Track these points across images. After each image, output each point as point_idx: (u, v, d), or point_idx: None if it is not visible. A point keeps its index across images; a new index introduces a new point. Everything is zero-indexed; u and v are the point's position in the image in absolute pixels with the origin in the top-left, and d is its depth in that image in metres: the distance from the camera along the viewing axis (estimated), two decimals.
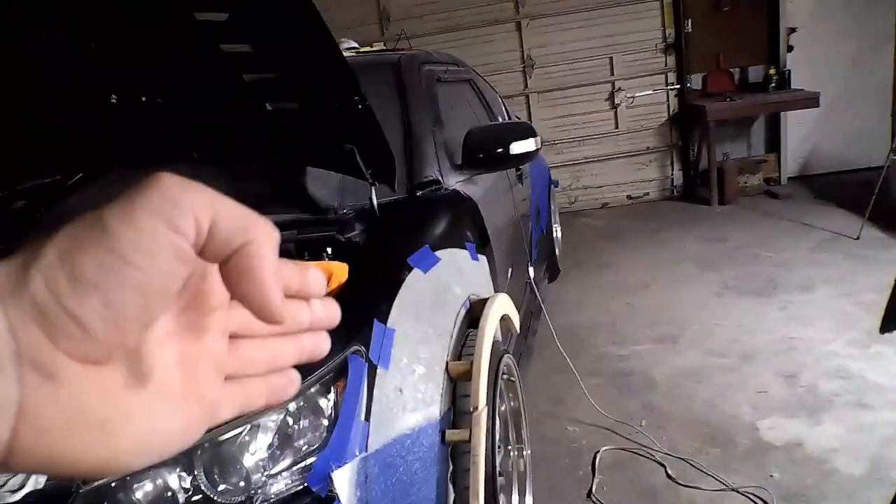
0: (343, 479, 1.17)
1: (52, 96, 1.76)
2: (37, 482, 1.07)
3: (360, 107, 1.54)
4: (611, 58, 6.24)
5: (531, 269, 3.19)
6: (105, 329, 0.26)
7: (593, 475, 2.45)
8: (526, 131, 2.27)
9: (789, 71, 6.02)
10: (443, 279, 1.71)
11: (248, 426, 1.15)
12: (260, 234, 0.30)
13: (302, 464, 1.18)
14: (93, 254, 0.26)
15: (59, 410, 0.26)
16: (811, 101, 5.64)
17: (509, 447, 1.96)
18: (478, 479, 1.41)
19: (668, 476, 2.39)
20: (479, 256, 2.04)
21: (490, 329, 1.64)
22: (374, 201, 1.80)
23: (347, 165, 1.73)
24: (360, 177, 1.75)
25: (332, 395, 1.23)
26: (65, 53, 1.60)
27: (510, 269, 2.59)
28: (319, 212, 1.86)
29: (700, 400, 2.85)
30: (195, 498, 1.12)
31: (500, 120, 3.56)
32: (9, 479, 1.08)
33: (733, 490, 2.26)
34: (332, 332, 1.18)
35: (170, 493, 1.12)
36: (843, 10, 6.01)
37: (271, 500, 1.14)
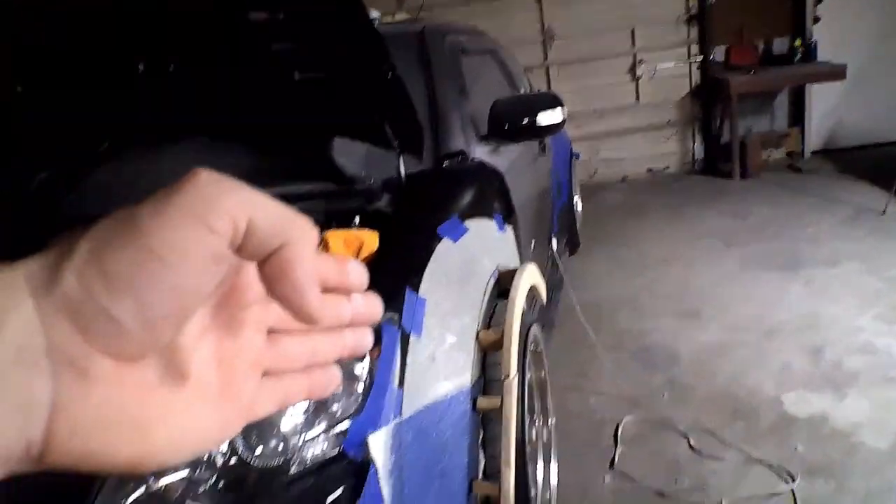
0: (378, 444, 1.18)
1: (78, 65, 1.76)
2: None
3: (389, 76, 1.53)
4: (632, 29, 6.14)
5: (553, 241, 3.18)
6: (139, 327, 0.26)
7: (616, 446, 2.46)
8: (553, 102, 2.25)
9: (815, 42, 5.89)
10: (471, 249, 1.71)
11: None
12: (298, 233, 0.29)
13: (337, 429, 1.19)
14: (126, 252, 0.25)
15: (93, 408, 0.26)
16: (838, 73, 5.53)
17: (535, 417, 1.97)
18: (509, 446, 1.42)
19: (691, 448, 2.39)
20: (506, 227, 2.03)
21: (521, 298, 1.64)
22: (402, 172, 1.80)
23: (375, 135, 1.72)
24: (387, 147, 1.74)
25: (366, 362, 1.24)
26: (92, 19, 1.60)
27: (533, 241, 2.59)
28: (346, 182, 1.86)
29: (723, 374, 2.84)
30: (233, 461, 1.14)
31: (523, 91, 3.53)
32: None
33: (757, 462, 2.26)
34: None
35: (207, 456, 1.13)
36: None
37: (307, 464, 1.16)
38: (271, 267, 0.29)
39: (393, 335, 1.29)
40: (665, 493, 2.18)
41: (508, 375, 1.48)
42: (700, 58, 6.15)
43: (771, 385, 2.72)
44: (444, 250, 1.57)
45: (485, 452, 1.50)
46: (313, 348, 0.34)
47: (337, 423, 1.19)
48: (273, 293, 0.30)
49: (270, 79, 1.66)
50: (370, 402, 1.21)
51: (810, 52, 5.88)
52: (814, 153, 6.29)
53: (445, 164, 2.02)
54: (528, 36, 6.20)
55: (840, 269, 3.73)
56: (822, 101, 6.17)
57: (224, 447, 1.13)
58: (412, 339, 1.33)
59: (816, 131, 6.31)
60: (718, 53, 6.19)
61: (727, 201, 5.30)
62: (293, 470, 1.14)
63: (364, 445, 1.17)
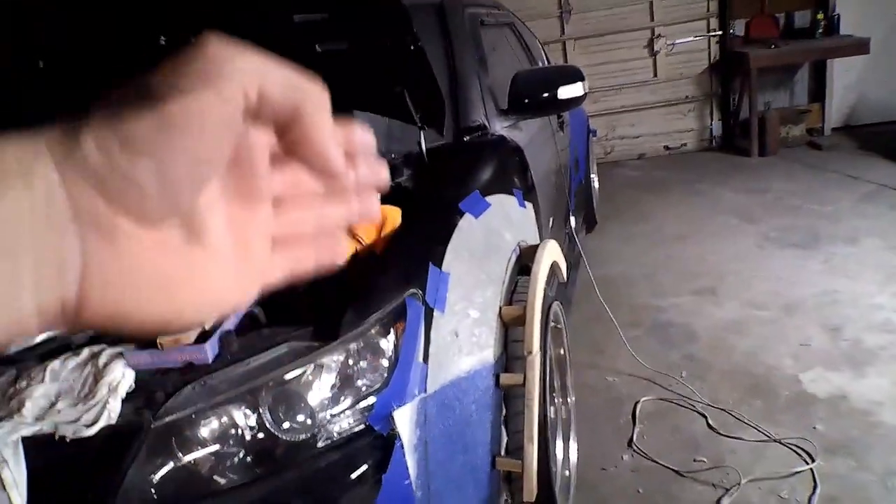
0: (404, 419, 1.18)
1: (101, 38, 1.75)
2: (109, 417, 1.09)
3: (412, 47, 1.51)
4: (650, 3, 6.04)
5: (571, 219, 3.16)
6: (159, 190, 0.27)
7: (634, 424, 2.46)
8: (574, 75, 2.21)
9: (838, 16, 5.77)
10: (493, 225, 1.70)
11: (312, 365, 1.17)
12: (312, 97, 0.30)
13: (363, 403, 1.19)
14: (143, 119, 0.26)
15: (121, 268, 0.27)
16: (861, 47, 5.42)
17: (554, 394, 1.97)
18: (532, 422, 1.42)
19: (710, 426, 2.39)
20: (526, 203, 2.02)
21: (543, 275, 1.63)
22: (423, 146, 1.78)
23: (396, 109, 1.71)
24: (409, 121, 1.72)
25: (391, 337, 1.24)
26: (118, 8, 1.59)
27: (551, 219, 2.57)
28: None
29: (741, 351, 2.83)
30: (260, 435, 1.14)
31: (541, 65, 3.49)
32: (83, 415, 1.11)
33: (776, 441, 2.26)
34: (390, 275, 1.17)
35: (235, 431, 1.14)
36: None
37: (334, 438, 1.16)
38: (291, 130, 0.30)
39: (417, 310, 1.29)
40: (683, 471, 2.18)
41: (531, 352, 1.48)
42: (720, 32, 6.04)
43: (789, 363, 2.70)
44: (467, 226, 1.56)
45: (507, 429, 1.50)
46: (320, 214, 0.35)
47: (363, 398, 1.19)
48: (295, 154, 0.31)
49: (292, 51, 1.64)
50: (395, 378, 1.21)
51: (833, 25, 5.76)
52: (834, 130, 6.19)
53: (466, 138, 2.00)
54: (545, 10, 6.12)
55: (859, 246, 3.69)
56: (844, 76, 6.06)
57: (252, 421, 1.14)
58: (436, 314, 1.33)
59: (837, 107, 6.21)
60: (738, 27, 6.08)
61: (745, 178, 5.24)
62: (320, 444, 1.14)
63: (389, 420, 1.17)
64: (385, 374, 1.22)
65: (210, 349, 1.15)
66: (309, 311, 1.26)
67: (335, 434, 1.16)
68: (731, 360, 2.78)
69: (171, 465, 1.08)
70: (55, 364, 1.20)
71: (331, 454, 1.14)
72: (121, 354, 1.18)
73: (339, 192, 0.34)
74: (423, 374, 1.25)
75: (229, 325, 1.24)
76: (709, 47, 6.14)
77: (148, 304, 0.28)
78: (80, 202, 0.26)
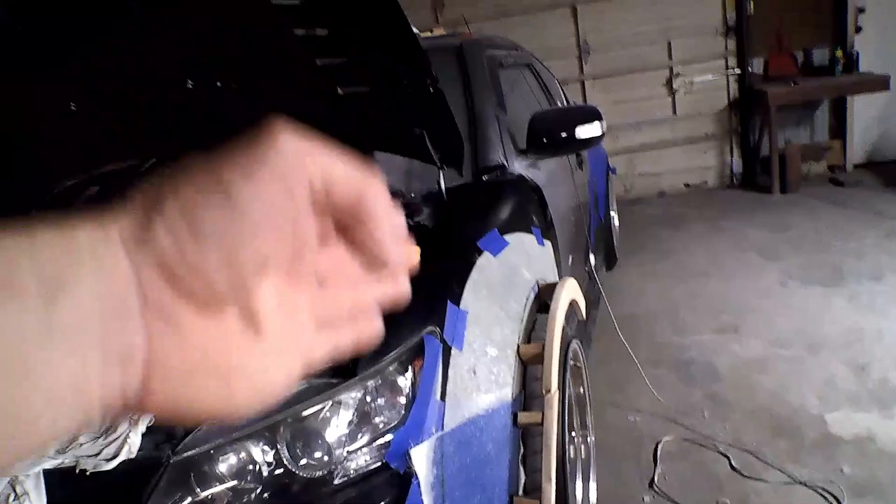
0: (421, 457, 1.18)
1: (129, 79, 1.80)
2: (129, 451, 1.11)
3: (431, 90, 1.54)
4: (669, 42, 6.10)
5: (591, 256, 3.16)
6: (224, 280, 0.27)
7: (655, 464, 2.42)
8: (591, 115, 2.24)
9: (857, 53, 5.78)
10: (512, 263, 1.71)
11: (330, 402, 1.17)
12: (374, 188, 0.31)
13: (380, 440, 1.19)
14: (213, 207, 0.27)
15: (183, 358, 0.28)
16: (881, 84, 5.41)
17: (573, 433, 1.95)
18: (550, 461, 1.41)
19: (732, 467, 2.35)
20: (545, 241, 2.03)
21: (561, 313, 1.63)
22: (443, 185, 1.81)
23: (416, 149, 1.74)
24: (429, 161, 1.75)
25: (409, 374, 1.24)
26: (142, 34, 1.64)
27: (571, 256, 2.58)
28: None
29: (765, 391, 2.79)
30: (278, 471, 1.15)
31: (559, 105, 3.53)
32: (103, 449, 1.12)
33: (801, 483, 2.21)
34: (408, 313, 1.18)
35: (253, 467, 1.15)
36: None
37: (351, 475, 1.16)
38: (351, 219, 0.31)
39: (435, 348, 1.30)
40: None
41: (549, 390, 1.47)
42: (738, 70, 6.08)
43: (814, 402, 2.65)
44: (485, 264, 1.58)
45: (525, 468, 1.49)
46: (359, 295, 0.35)
47: (380, 436, 1.20)
48: (351, 240, 0.32)
49: (315, 94, 1.69)
50: (413, 415, 1.22)
51: (852, 62, 5.77)
52: (856, 166, 6.15)
53: (485, 177, 2.02)
54: (564, 49, 6.20)
55: (885, 283, 3.64)
56: (865, 112, 6.04)
57: (269, 457, 1.15)
58: (454, 351, 1.34)
59: (859, 144, 6.18)
60: (757, 64, 6.11)
61: (766, 215, 5.21)
62: (337, 481, 1.15)
63: (406, 457, 1.18)
64: (402, 412, 1.22)
65: None
66: None
67: (352, 471, 1.16)
68: (754, 399, 2.74)
69: (189, 500, 1.09)
70: None
71: (347, 491, 1.14)
72: None
73: (379, 274, 0.35)
74: (441, 412, 1.26)
75: None
76: (728, 85, 6.17)
77: (206, 393, 0.29)
78: (149, 291, 0.26)
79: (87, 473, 1.07)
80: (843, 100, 6.01)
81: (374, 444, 1.19)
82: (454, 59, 2.41)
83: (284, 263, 0.30)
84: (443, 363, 1.30)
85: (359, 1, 1.41)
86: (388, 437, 1.20)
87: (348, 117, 1.77)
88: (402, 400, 1.23)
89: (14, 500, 1.06)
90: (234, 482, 1.12)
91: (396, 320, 1.31)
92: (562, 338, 1.61)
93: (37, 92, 1.78)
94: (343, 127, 1.88)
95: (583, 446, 2.04)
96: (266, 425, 1.14)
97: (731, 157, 6.36)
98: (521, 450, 1.50)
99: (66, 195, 2.19)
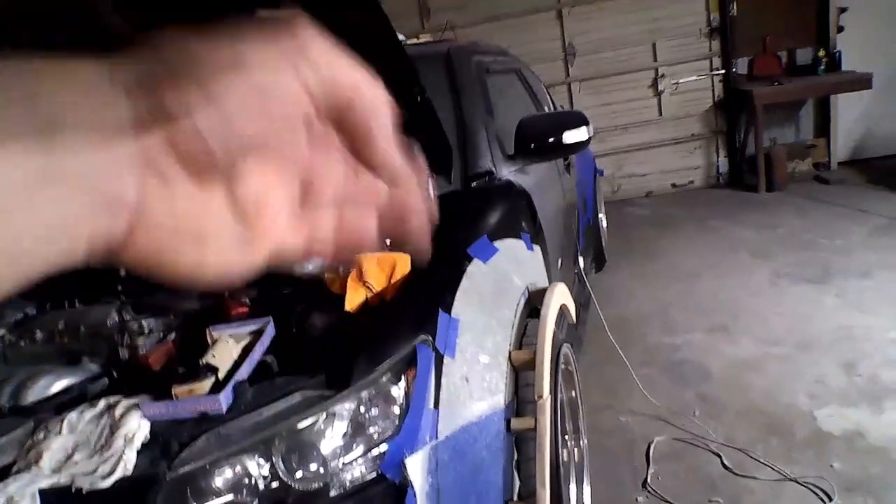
0: (416, 466, 1.19)
1: None
2: (125, 469, 1.11)
3: (419, 98, 1.56)
4: (654, 44, 6.15)
5: (580, 259, 3.18)
6: (223, 150, 0.27)
7: (648, 465, 2.44)
8: (578, 120, 2.26)
9: (840, 52, 5.85)
10: (502, 269, 1.72)
11: (324, 414, 1.18)
12: (376, 100, 0.31)
13: (375, 451, 1.20)
14: (231, 80, 0.27)
15: (168, 217, 0.28)
16: (864, 82, 5.48)
17: (566, 437, 1.96)
18: (543, 466, 1.42)
19: (725, 466, 2.36)
20: (534, 246, 2.04)
21: (552, 318, 1.64)
22: (432, 193, 1.81)
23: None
24: None
25: (402, 384, 1.25)
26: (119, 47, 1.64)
27: (560, 260, 2.59)
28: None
29: (756, 389, 2.81)
30: (274, 485, 1.15)
31: (546, 109, 3.55)
32: (99, 466, 1.12)
33: (792, 480, 2.23)
34: (400, 322, 1.19)
35: (249, 480, 1.15)
36: None
37: (346, 487, 1.17)
38: (352, 127, 0.31)
39: (427, 357, 1.31)
40: None
41: (541, 396, 1.48)
42: (723, 70, 6.13)
43: (805, 399, 2.68)
44: (476, 271, 1.59)
45: (519, 473, 1.50)
46: (349, 193, 0.34)
47: (375, 446, 1.20)
48: (356, 149, 0.32)
49: None
50: (406, 425, 1.22)
51: (835, 61, 5.84)
52: (841, 164, 6.22)
53: (474, 184, 2.04)
54: (550, 52, 6.24)
55: (873, 280, 3.68)
56: (849, 110, 6.11)
57: (265, 471, 1.15)
58: (446, 360, 1.34)
59: (843, 142, 6.24)
60: (741, 65, 6.16)
61: (754, 214, 5.26)
62: (333, 493, 1.15)
63: (401, 467, 1.18)
64: (396, 422, 1.23)
65: (224, 399, 1.17)
66: (320, 359, 1.28)
67: (348, 482, 1.17)
68: (745, 398, 2.77)
69: None
70: (72, 416, 1.23)
71: (344, 502, 1.15)
72: (136, 406, 1.20)
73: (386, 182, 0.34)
74: (435, 421, 1.26)
75: (243, 374, 1.26)
76: (713, 85, 6.22)
77: (181, 256, 0.29)
78: (148, 145, 0.26)
79: (84, 492, 1.07)
80: (828, 99, 6.08)
81: (369, 455, 1.20)
82: (442, 65, 2.42)
83: (278, 148, 0.30)
84: (435, 372, 1.31)
85: (345, 10, 1.42)
86: (383, 447, 1.20)
87: None
88: (396, 410, 1.24)
89: None
90: (231, 496, 1.12)
91: (389, 330, 1.32)
92: (553, 343, 1.62)
93: None
94: None
95: (576, 449, 2.05)
96: (261, 439, 1.15)
97: (718, 156, 6.41)
98: (515, 455, 1.51)
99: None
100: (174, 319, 1.57)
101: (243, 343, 1.38)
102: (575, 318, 2.12)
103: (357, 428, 1.21)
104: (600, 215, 4.58)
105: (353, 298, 1.43)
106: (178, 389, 1.19)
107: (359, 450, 1.20)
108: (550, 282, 2.10)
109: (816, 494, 2.15)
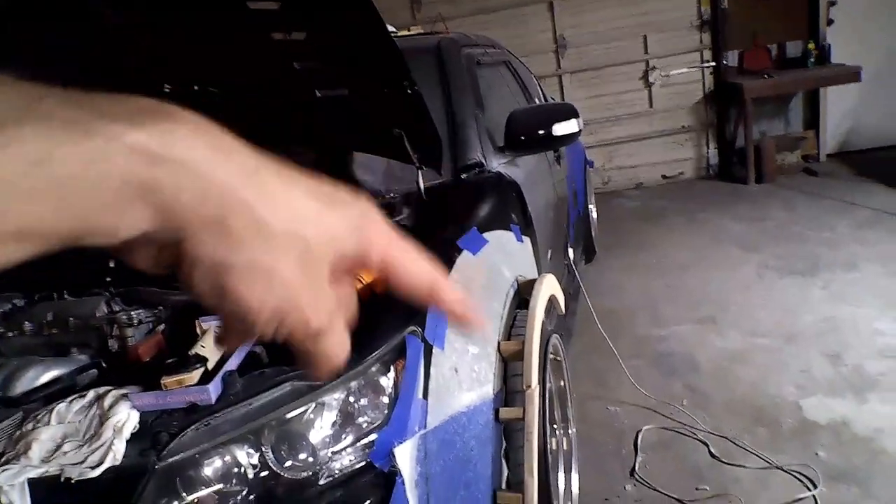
0: (405, 455, 1.20)
1: (102, 82, 1.80)
2: (114, 458, 1.11)
3: (409, 91, 1.56)
4: (644, 36, 6.15)
5: (570, 251, 3.19)
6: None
7: (636, 454, 2.46)
8: (568, 112, 2.26)
9: (829, 45, 5.88)
10: (491, 261, 1.73)
11: (313, 404, 1.19)
12: (441, 279, 0.38)
13: (364, 440, 1.21)
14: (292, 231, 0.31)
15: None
16: (852, 75, 5.51)
17: (555, 426, 1.98)
18: (531, 455, 1.44)
19: (712, 455, 2.39)
20: (524, 238, 2.05)
21: (540, 309, 1.66)
22: (422, 185, 1.82)
23: (395, 150, 1.75)
24: (407, 161, 1.77)
25: (391, 374, 1.26)
26: (116, 41, 1.64)
27: (550, 251, 2.60)
28: (367, 196, 1.88)
29: (743, 380, 2.84)
30: (263, 474, 1.16)
31: (537, 101, 3.55)
32: (88, 456, 1.13)
33: (778, 468, 2.26)
34: (389, 313, 1.19)
35: (238, 470, 1.16)
36: None
37: (336, 476, 1.18)
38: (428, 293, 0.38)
39: (417, 347, 1.32)
40: (686, 500, 2.18)
41: (530, 385, 1.50)
42: (713, 63, 6.15)
43: (791, 390, 2.71)
44: (465, 263, 1.59)
45: (507, 462, 1.51)
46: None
47: (364, 436, 1.22)
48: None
49: (293, 97, 1.69)
50: (396, 414, 1.23)
51: (824, 54, 5.87)
52: (829, 156, 6.26)
53: (464, 176, 2.04)
54: (541, 45, 6.24)
55: (859, 272, 3.71)
56: (838, 103, 6.14)
57: (254, 460, 1.16)
58: (435, 350, 1.35)
59: (832, 134, 6.28)
60: (732, 58, 6.18)
61: (743, 206, 5.28)
62: (322, 481, 1.16)
63: (390, 457, 1.19)
64: (386, 412, 1.24)
65: (213, 390, 1.18)
66: None
67: (337, 471, 1.18)
68: (732, 388, 2.79)
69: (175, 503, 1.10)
70: (61, 406, 1.23)
71: (333, 492, 1.16)
72: (125, 396, 1.21)
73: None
74: (424, 411, 1.27)
75: (232, 365, 1.27)
76: (703, 78, 6.24)
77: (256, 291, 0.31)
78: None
79: (73, 482, 1.08)
80: (817, 91, 6.11)
81: (359, 444, 1.21)
82: (432, 58, 2.42)
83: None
84: (425, 362, 1.31)
85: (335, 4, 1.42)
86: (372, 436, 1.21)
87: (327, 119, 1.78)
88: (385, 400, 1.25)
89: None
90: (220, 485, 1.13)
91: (378, 321, 1.33)
92: (541, 333, 1.64)
93: None
94: (321, 129, 1.89)
95: (564, 439, 2.07)
96: (250, 429, 1.15)
97: (708, 148, 6.44)
98: (504, 445, 1.52)
99: None
100: (163, 310, 1.57)
101: None
102: (564, 308, 2.13)
103: (346, 418, 1.22)
104: (590, 207, 4.59)
105: None
106: (167, 380, 1.19)
107: (348, 439, 1.21)
108: (540, 273, 2.11)
109: (802, 482, 2.18)
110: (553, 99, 4.82)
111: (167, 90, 1.71)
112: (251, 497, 1.14)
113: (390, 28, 3.48)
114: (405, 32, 3.61)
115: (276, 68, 1.60)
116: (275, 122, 1.85)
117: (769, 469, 2.27)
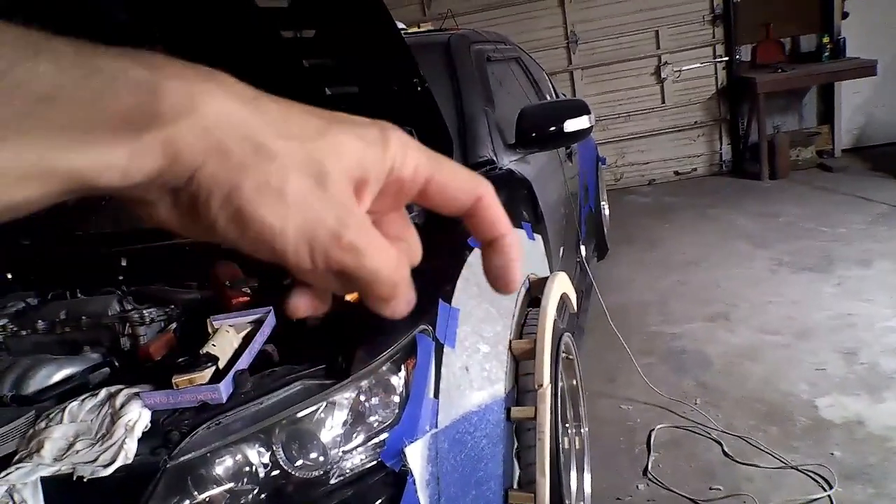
0: (416, 455, 1.19)
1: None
2: (126, 457, 1.12)
3: (419, 88, 1.55)
4: (656, 31, 6.11)
5: (581, 248, 3.18)
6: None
7: (649, 453, 2.44)
8: (579, 109, 2.25)
9: (844, 39, 5.81)
10: None
11: (324, 403, 1.19)
12: (484, 188, 0.36)
13: (375, 440, 1.21)
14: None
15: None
16: (868, 69, 5.45)
17: (567, 425, 1.97)
18: (543, 455, 1.43)
19: (725, 454, 2.37)
20: (535, 236, 2.04)
21: (552, 307, 1.65)
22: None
23: None
24: None
25: (402, 373, 1.26)
26: (123, 39, 1.64)
27: (561, 248, 2.59)
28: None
29: (755, 378, 2.82)
30: (274, 473, 1.16)
31: (548, 97, 3.54)
32: (100, 455, 1.13)
33: (792, 468, 2.24)
34: None
35: (249, 469, 1.16)
36: None
37: (346, 475, 1.18)
38: (473, 210, 0.37)
39: (427, 346, 1.31)
40: (700, 500, 2.17)
41: (541, 385, 1.49)
42: (726, 58, 6.10)
43: (804, 388, 2.69)
44: (476, 261, 1.58)
45: (519, 462, 1.51)
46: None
47: (375, 435, 1.21)
48: (484, 246, 0.38)
49: (302, 95, 1.69)
50: (406, 413, 1.23)
51: (839, 48, 5.80)
52: (844, 151, 6.19)
53: None
54: (552, 40, 6.21)
55: (873, 268, 3.67)
56: (853, 97, 6.08)
57: (266, 459, 1.16)
58: (446, 349, 1.35)
59: (847, 129, 6.22)
60: (744, 52, 6.13)
61: (756, 202, 5.24)
62: (333, 481, 1.16)
63: (401, 456, 1.19)
64: (396, 411, 1.23)
65: (224, 389, 1.18)
66: (321, 349, 1.28)
67: (348, 471, 1.18)
68: (745, 386, 2.77)
69: (186, 503, 1.10)
70: (73, 405, 1.23)
71: (343, 491, 1.16)
72: (137, 395, 1.21)
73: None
74: (435, 410, 1.27)
75: (243, 364, 1.27)
76: (715, 73, 6.19)
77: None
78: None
79: (85, 480, 1.08)
80: (831, 85, 6.04)
81: (369, 444, 1.20)
82: (442, 54, 2.41)
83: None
84: (435, 361, 1.31)
85: (345, 2, 1.41)
86: (383, 436, 1.21)
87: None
88: (396, 399, 1.24)
89: None
90: (231, 484, 1.13)
91: (389, 320, 1.32)
92: (553, 332, 1.63)
93: None
94: None
95: (576, 438, 2.06)
96: (261, 428, 1.15)
97: (720, 144, 6.39)
98: (515, 444, 1.52)
99: None
100: (175, 309, 1.57)
101: (244, 333, 1.38)
102: (576, 306, 2.12)
103: (357, 417, 1.21)
104: (602, 204, 4.57)
105: None
106: (178, 379, 1.19)
107: (359, 438, 1.20)
108: (551, 271, 2.10)
109: (816, 482, 2.16)
110: (564, 95, 4.80)
111: None
112: (262, 496, 1.14)
113: (400, 25, 3.48)
114: (415, 29, 3.60)
115: (286, 66, 1.59)
116: None
117: (783, 468, 2.25)
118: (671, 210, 5.45)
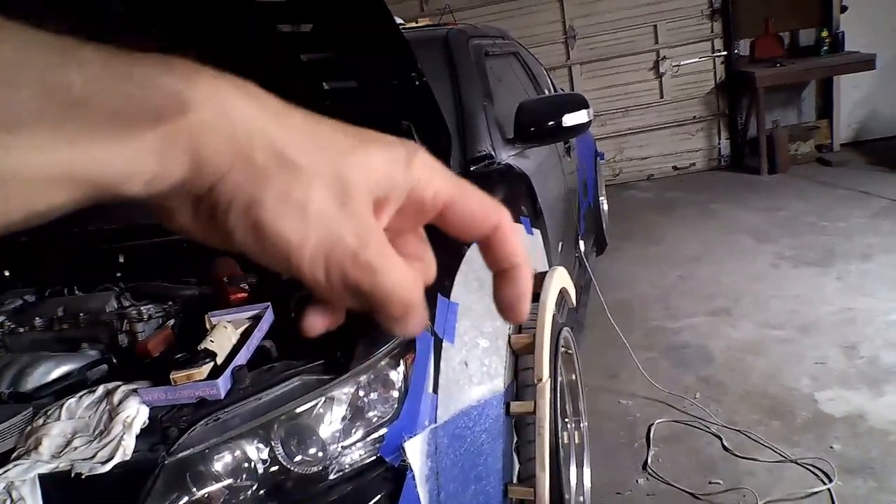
0: (415, 450, 1.19)
1: None
2: (124, 454, 1.11)
3: (417, 83, 1.54)
4: (655, 26, 6.10)
5: (580, 243, 3.17)
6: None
7: (648, 447, 2.44)
8: (578, 103, 2.24)
9: (843, 33, 5.80)
10: None
11: (323, 399, 1.18)
12: (502, 218, 0.36)
13: (374, 435, 1.20)
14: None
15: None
16: (866, 63, 5.44)
17: (566, 420, 1.97)
18: (543, 450, 1.43)
19: (725, 448, 2.37)
20: (534, 230, 2.04)
21: (551, 302, 1.64)
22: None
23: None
24: None
25: (401, 368, 1.25)
26: (124, 35, 1.63)
27: (560, 243, 2.58)
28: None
29: (757, 372, 2.81)
30: (273, 469, 1.16)
31: (547, 92, 3.53)
32: (98, 451, 1.12)
33: (793, 462, 2.24)
34: None
35: (248, 465, 1.16)
36: None
37: (345, 471, 1.17)
38: (491, 237, 0.36)
39: (426, 341, 1.31)
40: (700, 494, 2.17)
41: (541, 379, 1.48)
42: (724, 52, 6.09)
43: (806, 382, 2.68)
44: (474, 255, 1.58)
45: (519, 457, 1.50)
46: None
47: (374, 430, 1.21)
48: (497, 274, 0.38)
49: (300, 90, 1.68)
50: (406, 409, 1.23)
51: (838, 42, 5.79)
52: (843, 145, 6.19)
53: (473, 168, 2.03)
54: (550, 35, 6.20)
55: (874, 262, 3.67)
56: (852, 91, 6.07)
57: (264, 455, 1.16)
58: (445, 344, 1.34)
59: (846, 123, 6.21)
60: (743, 47, 6.12)
61: (756, 197, 5.24)
62: (332, 476, 1.16)
63: (400, 451, 1.18)
64: (395, 406, 1.23)
65: (222, 385, 1.17)
66: (319, 344, 1.28)
67: (347, 466, 1.17)
68: (746, 380, 2.77)
69: (185, 499, 1.09)
70: (71, 402, 1.23)
71: (343, 486, 1.15)
72: (135, 391, 1.21)
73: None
74: (434, 405, 1.26)
75: (241, 360, 1.26)
76: (714, 67, 6.19)
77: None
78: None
79: (83, 477, 1.08)
80: (830, 80, 6.03)
81: (368, 439, 1.20)
82: (440, 49, 2.40)
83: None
84: (434, 356, 1.30)
85: None
86: (382, 431, 1.21)
87: (334, 112, 1.76)
88: (395, 394, 1.24)
89: None
90: (230, 480, 1.12)
91: None
92: (552, 326, 1.62)
93: None
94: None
95: (576, 432, 2.06)
96: (260, 424, 1.15)
97: (719, 139, 6.38)
98: (515, 439, 1.51)
99: None
100: (173, 306, 1.57)
101: (242, 329, 1.38)
102: (575, 301, 2.12)
103: (356, 412, 1.21)
104: (601, 199, 4.56)
105: None
106: (176, 375, 1.19)
107: (358, 434, 1.20)
108: (550, 266, 2.09)
109: (816, 475, 2.16)
110: (562, 90, 4.79)
111: None
112: (261, 492, 1.13)
113: (398, 20, 3.47)
114: (413, 24, 3.59)
115: (284, 60, 1.58)
116: None
117: (783, 462, 2.25)
118: (671, 205, 5.45)
